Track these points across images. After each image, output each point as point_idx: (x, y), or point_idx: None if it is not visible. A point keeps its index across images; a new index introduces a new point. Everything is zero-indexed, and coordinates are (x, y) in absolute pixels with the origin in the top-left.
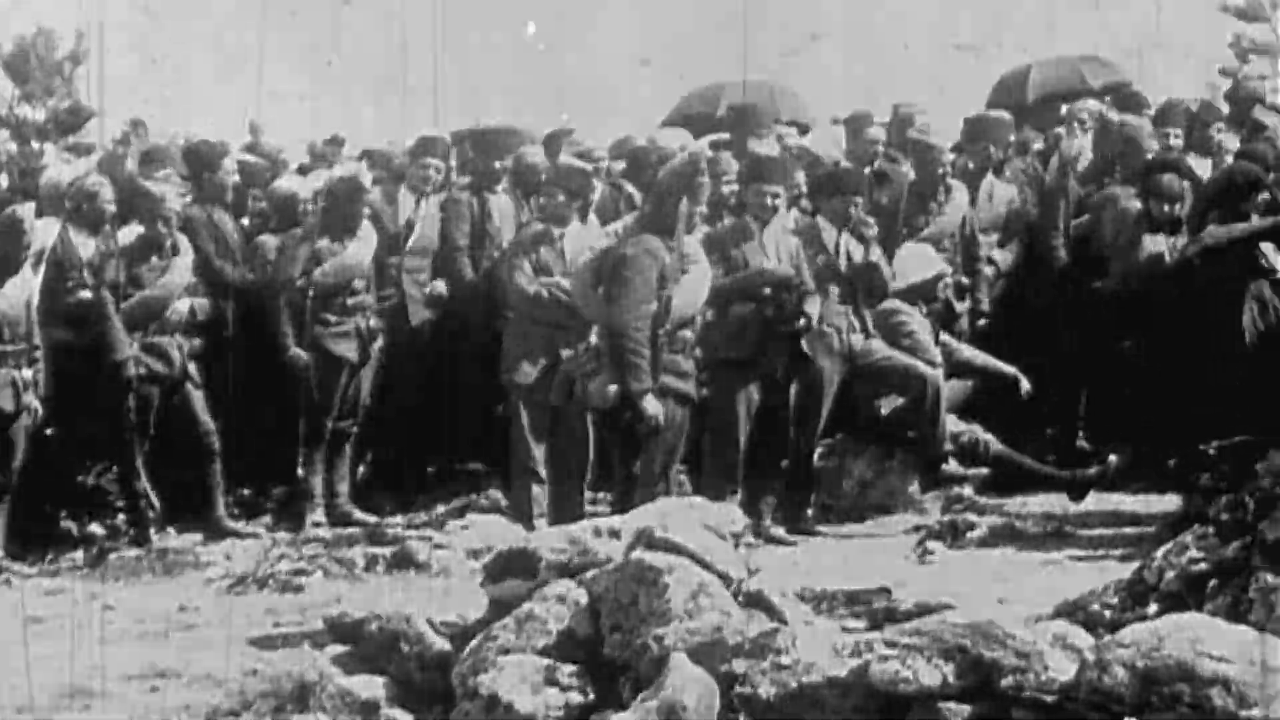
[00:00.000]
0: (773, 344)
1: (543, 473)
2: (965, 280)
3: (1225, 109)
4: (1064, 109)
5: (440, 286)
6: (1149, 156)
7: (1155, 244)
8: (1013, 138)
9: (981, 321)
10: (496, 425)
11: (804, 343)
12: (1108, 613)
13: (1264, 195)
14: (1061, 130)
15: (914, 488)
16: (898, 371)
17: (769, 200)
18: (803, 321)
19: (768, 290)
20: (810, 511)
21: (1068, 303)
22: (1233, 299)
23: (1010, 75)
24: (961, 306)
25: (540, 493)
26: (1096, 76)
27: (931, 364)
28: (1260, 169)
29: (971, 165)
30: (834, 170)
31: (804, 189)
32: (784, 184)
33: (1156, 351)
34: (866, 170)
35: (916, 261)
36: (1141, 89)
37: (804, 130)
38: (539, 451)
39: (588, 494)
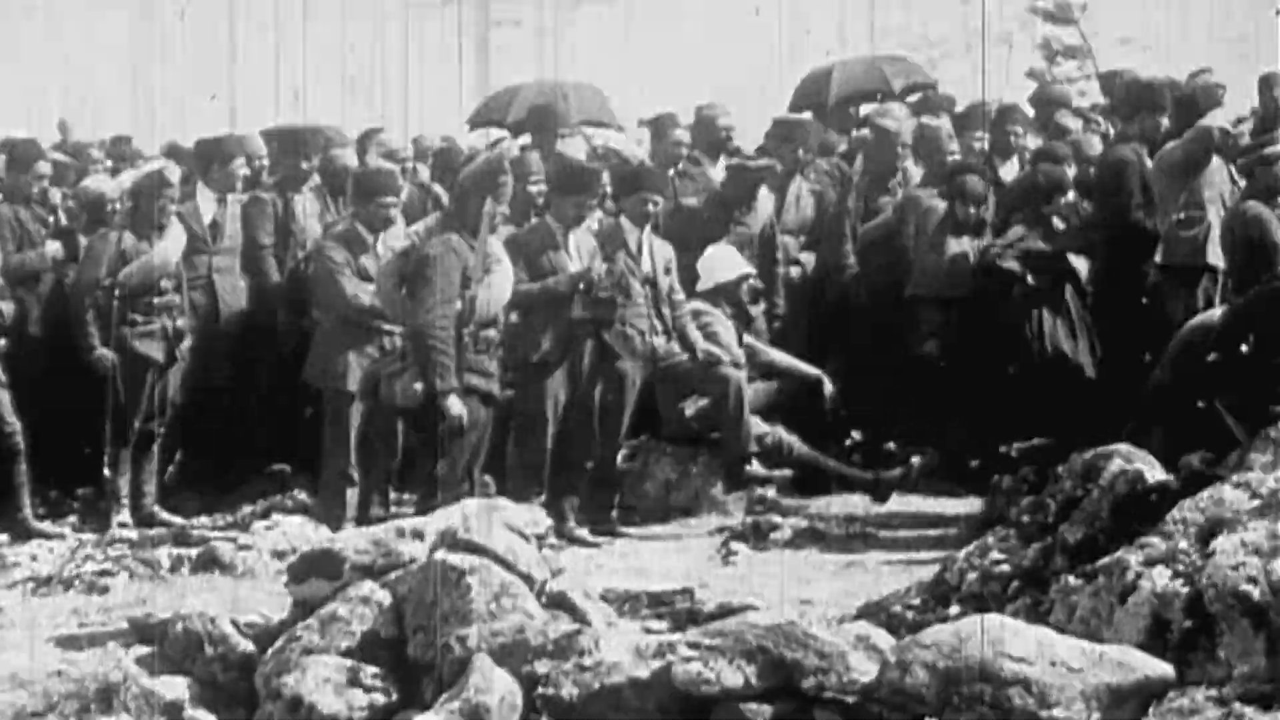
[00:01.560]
0: (576, 345)
1: (355, 475)
2: (759, 284)
3: (1031, 111)
4: (863, 110)
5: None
6: (952, 158)
7: (959, 246)
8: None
9: (778, 324)
10: (304, 427)
11: (607, 344)
12: (910, 614)
13: (1067, 198)
14: (865, 131)
15: (718, 489)
16: (699, 373)
17: (649, 207)
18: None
19: (573, 292)
20: (614, 513)
21: (865, 305)
22: (1031, 302)
23: (812, 76)
24: (757, 310)
25: (353, 495)
26: (898, 77)
27: (735, 364)
28: (1063, 171)
29: (780, 168)
30: (636, 169)
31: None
32: (660, 190)
33: (958, 353)
34: (670, 171)
35: (721, 262)
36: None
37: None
38: (353, 454)
39: (393, 494)
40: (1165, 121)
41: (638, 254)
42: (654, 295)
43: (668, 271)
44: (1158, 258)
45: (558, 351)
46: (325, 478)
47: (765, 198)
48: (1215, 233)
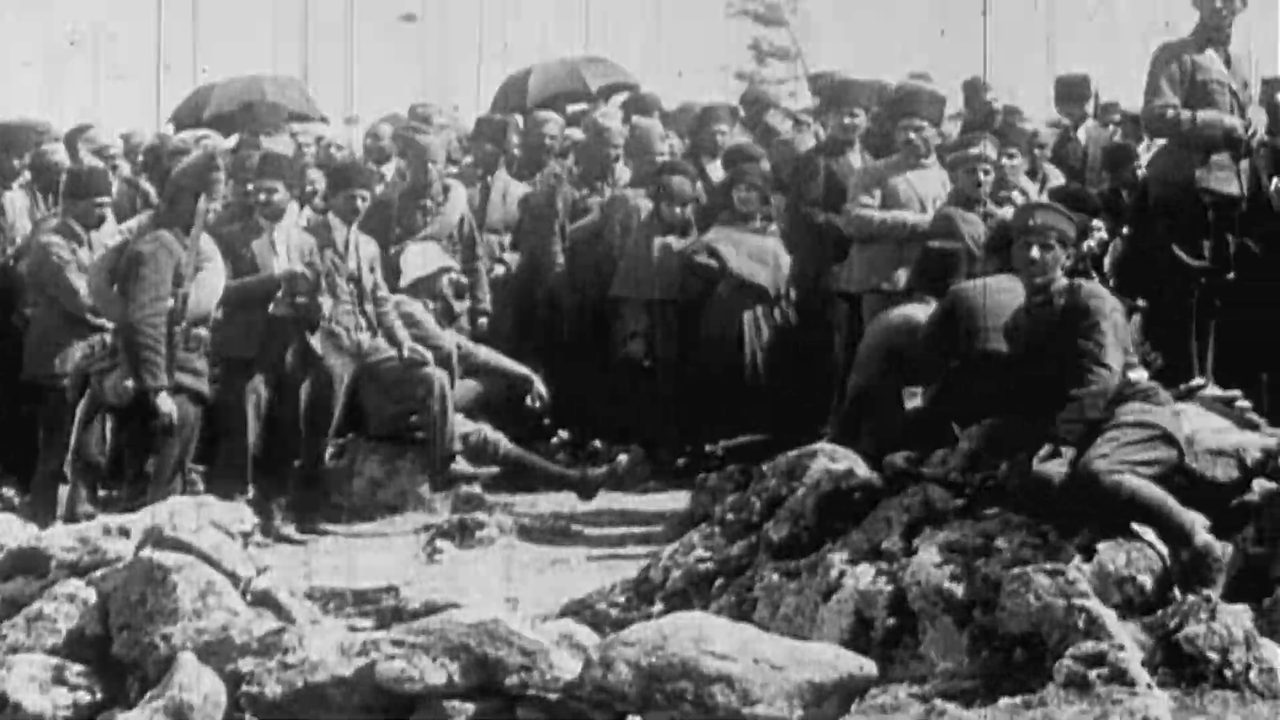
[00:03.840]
0: (279, 343)
1: (68, 473)
2: (464, 279)
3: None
4: (569, 110)
5: None
6: (659, 159)
7: (665, 246)
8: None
9: (482, 320)
10: (13, 422)
11: (314, 341)
12: (614, 611)
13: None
14: (574, 131)
15: (424, 487)
16: (403, 372)
17: (358, 203)
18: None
19: (275, 291)
20: (321, 511)
21: (572, 304)
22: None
23: (511, 79)
24: (460, 306)
25: (64, 493)
26: (597, 78)
27: (444, 358)
28: (757, 167)
29: (480, 168)
30: (345, 165)
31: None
32: (369, 186)
33: (663, 353)
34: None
35: (421, 257)
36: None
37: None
38: (69, 451)
39: (101, 491)
40: (862, 121)
41: (345, 251)
42: (359, 292)
43: (372, 269)
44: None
45: (260, 349)
46: (39, 475)
47: (459, 190)
48: None
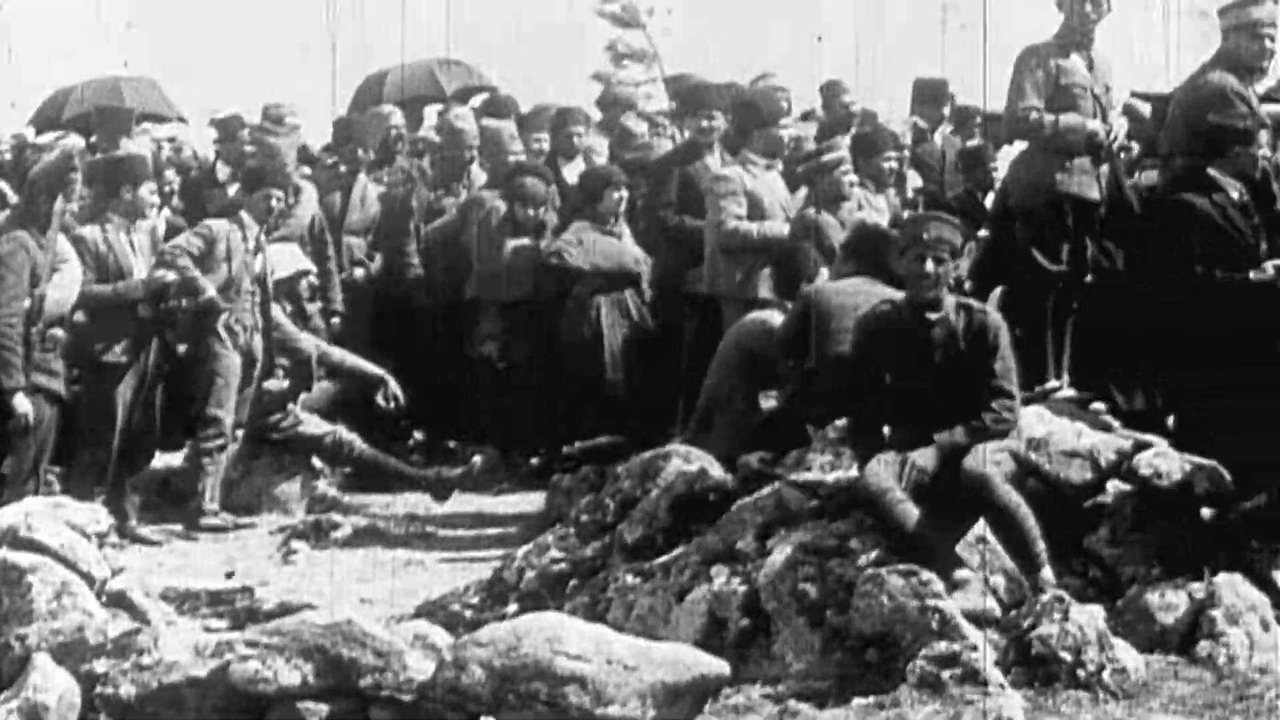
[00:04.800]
0: (143, 346)
1: None
2: (316, 281)
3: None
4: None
5: None
6: (513, 160)
7: (520, 247)
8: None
9: (336, 321)
10: None
11: (170, 344)
12: (468, 612)
13: (620, 194)
14: (431, 133)
15: (280, 488)
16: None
17: (273, 203)
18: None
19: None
20: (176, 511)
21: (428, 306)
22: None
23: (368, 80)
24: (312, 307)
25: None
26: (452, 80)
27: (302, 360)
28: (620, 171)
29: (344, 168)
30: (259, 166)
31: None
32: (284, 186)
33: (518, 354)
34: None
35: (280, 259)
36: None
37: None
38: None
39: None
40: (720, 124)
41: (255, 251)
42: (263, 295)
43: (273, 271)
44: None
45: (127, 352)
46: None
47: (310, 191)
48: None
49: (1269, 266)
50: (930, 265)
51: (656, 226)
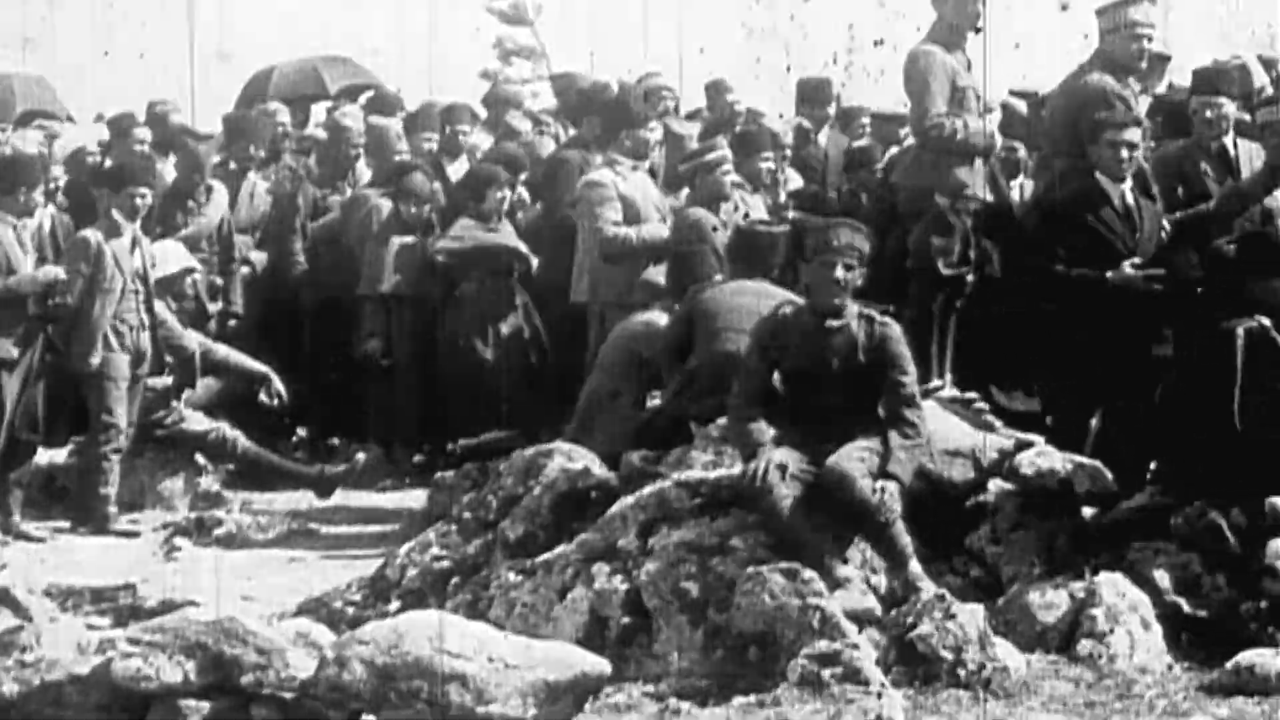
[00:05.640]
0: (32, 342)
1: None
2: (219, 280)
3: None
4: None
5: None
6: (398, 158)
7: (404, 245)
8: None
9: (233, 322)
10: None
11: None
12: (350, 610)
13: (503, 193)
14: (317, 131)
15: (164, 484)
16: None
17: (137, 201)
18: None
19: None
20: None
21: (313, 303)
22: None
23: (254, 78)
24: (214, 307)
25: None
26: (337, 78)
27: (185, 357)
28: (502, 169)
29: (234, 165)
30: (123, 164)
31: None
32: (149, 184)
33: (401, 351)
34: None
35: (165, 255)
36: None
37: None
38: None
39: None
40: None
41: (131, 249)
42: (146, 292)
43: (153, 265)
44: None
45: (16, 347)
46: None
47: (221, 191)
48: None
49: (1126, 266)
50: (839, 272)
51: (558, 226)
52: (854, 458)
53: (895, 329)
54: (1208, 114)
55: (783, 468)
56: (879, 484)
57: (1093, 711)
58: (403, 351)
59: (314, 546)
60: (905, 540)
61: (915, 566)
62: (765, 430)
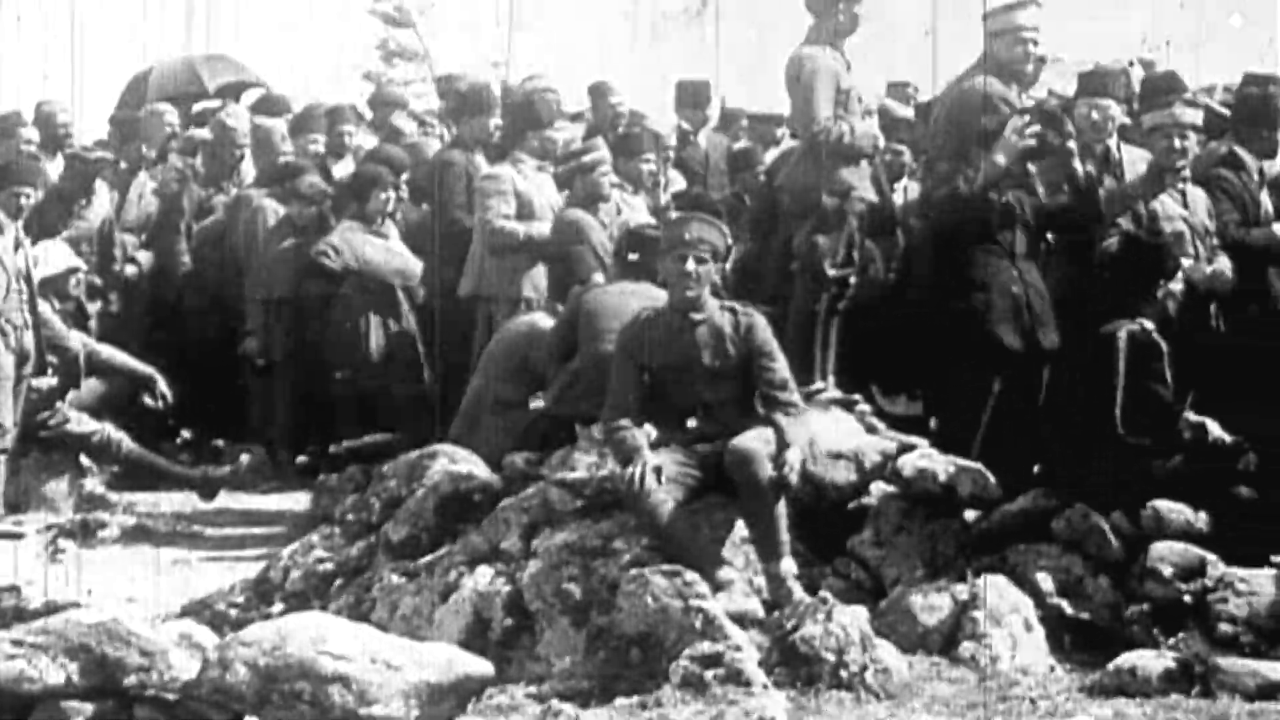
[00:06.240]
0: None
1: None
2: (99, 281)
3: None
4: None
5: None
6: (283, 159)
7: (287, 245)
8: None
9: (112, 322)
10: None
11: None
12: (234, 611)
13: (387, 194)
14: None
15: (48, 486)
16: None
17: (21, 200)
18: None
19: None
20: None
21: (198, 303)
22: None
23: (135, 77)
24: (93, 307)
25: None
26: (215, 77)
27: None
28: (388, 170)
29: (124, 165)
30: (4, 165)
31: None
32: (31, 183)
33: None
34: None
35: (49, 256)
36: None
37: None
38: None
39: None
40: (494, 123)
41: (15, 248)
42: (29, 291)
43: (35, 265)
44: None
45: None
46: None
47: (104, 193)
48: None
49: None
50: (691, 265)
51: (448, 227)
52: (755, 439)
53: (759, 318)
54: (1094, 116)
55: (659, 470)
56: (784, 455)
57: (974, 713)
58: (279, 352)
59: (198, 548)
60: (785, 536)
61: (788, 564)
62: (639, 435)
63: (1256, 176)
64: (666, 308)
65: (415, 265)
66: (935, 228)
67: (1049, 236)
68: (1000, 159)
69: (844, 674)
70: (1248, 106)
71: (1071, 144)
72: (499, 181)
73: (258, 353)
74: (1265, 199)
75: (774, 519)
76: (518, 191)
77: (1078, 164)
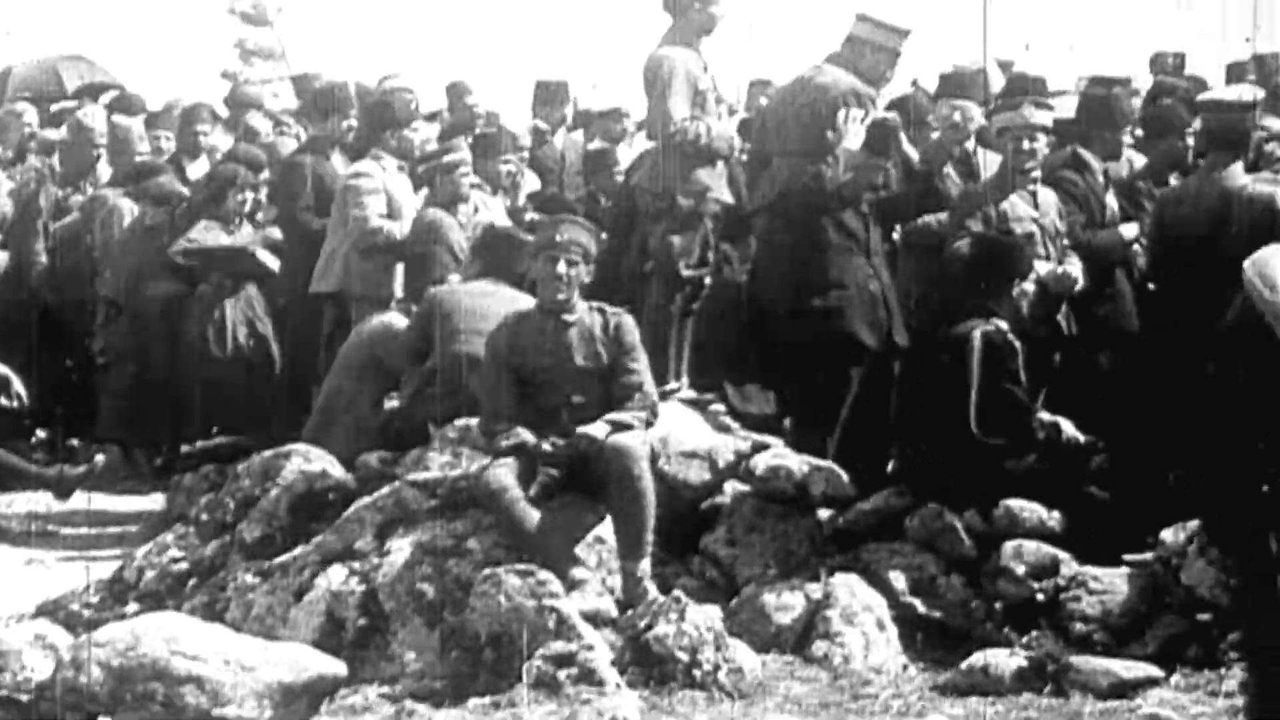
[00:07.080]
0: None
1: None
2: None
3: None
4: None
5: None
6: (139, 159)
7: (145, 246)
8: None
9: None
10: None
11: None
12: (87, 612)
13: (244, 195)
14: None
15: None
16: None
17: None
18: None
19: None
20: None
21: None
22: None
23: None
24: None
25: None
26: (75, 77)
27: None
28: (246, 170)
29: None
30: None
31: None
32: None
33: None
34: None
35: None
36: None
37: None
38: None
39: None
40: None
41: None
42: None
43: None
44: None
45: None
46: None
47: None
48: None
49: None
50: (562, 267)
51: (295, 229)
52: (634, 438)
53: (628, 319)
54: (955, 117)
55: (517, 468)
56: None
57: (828, 712)
58: (129, 351)
59: (52, 548)
60: (650, 537)
61: (647, 565)
62: (525, 434)
63: (1101, 178)
64: (535, 310)
65: (273, 264)
66: (788, 219)
67: (894, 236)
68: (850, 145)
69: (697, 673)
70: (1091, 108)
71: (900, 133)
72: (371, 180)
73: (99, 351)
74: (1111, 200)
75: (646, 519)
76: (385, 189)
77: (909, 149)
